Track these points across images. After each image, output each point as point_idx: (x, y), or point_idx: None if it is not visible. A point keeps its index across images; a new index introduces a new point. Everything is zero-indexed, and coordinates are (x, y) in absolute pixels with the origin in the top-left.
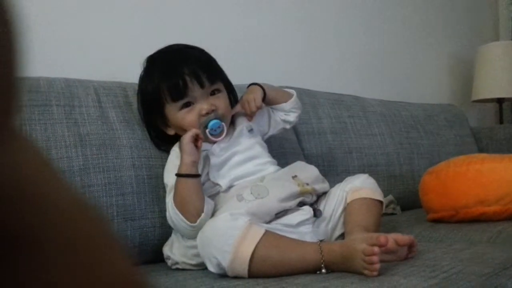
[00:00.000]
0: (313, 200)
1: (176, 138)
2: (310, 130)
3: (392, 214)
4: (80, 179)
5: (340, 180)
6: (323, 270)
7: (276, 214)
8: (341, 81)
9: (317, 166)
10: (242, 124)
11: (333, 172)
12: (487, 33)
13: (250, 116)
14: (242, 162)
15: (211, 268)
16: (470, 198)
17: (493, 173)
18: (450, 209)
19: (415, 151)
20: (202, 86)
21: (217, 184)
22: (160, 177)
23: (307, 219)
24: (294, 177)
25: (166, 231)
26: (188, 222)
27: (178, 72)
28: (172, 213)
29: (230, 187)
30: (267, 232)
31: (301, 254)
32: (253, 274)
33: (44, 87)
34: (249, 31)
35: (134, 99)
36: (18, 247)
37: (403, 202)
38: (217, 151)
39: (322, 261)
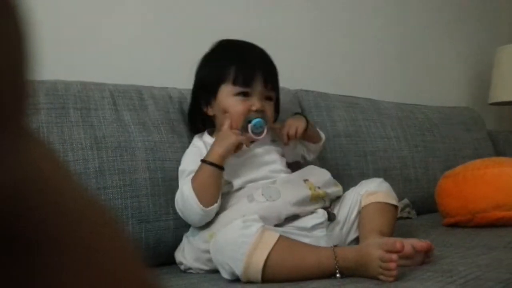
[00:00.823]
0: (327, 205)
1: (208, 121)
2: (324, 133)
3: (407, 218)
4: (96, 181)
5: (355, 184)
6: (338, 275)
7: (286, 218)
8: (356, 84)
9: (331, 169)
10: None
11: (348, 176)
12: (505, 34)
13: (286, 140)
14: (259, 166)
15: (225, 275)
16: (487, 203)
17: (511, 177)
18: (467, 213)
19: (430, 155)
20: (266, 86)
21: (230, 183)
22: (175, 179)
23: (322, 223)
24: (306, 180)
25: (180, 234)
26: (201, 206)
27: (254, 62)
28: (187, 194)
29: (241, 188)
30: (280, 238)
31: (315, 260)
32: (267, 280)
33: (61, 91)
34: (262, 33)
35: (149, 102)
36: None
37: (419, 206)
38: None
39: (336, 266)
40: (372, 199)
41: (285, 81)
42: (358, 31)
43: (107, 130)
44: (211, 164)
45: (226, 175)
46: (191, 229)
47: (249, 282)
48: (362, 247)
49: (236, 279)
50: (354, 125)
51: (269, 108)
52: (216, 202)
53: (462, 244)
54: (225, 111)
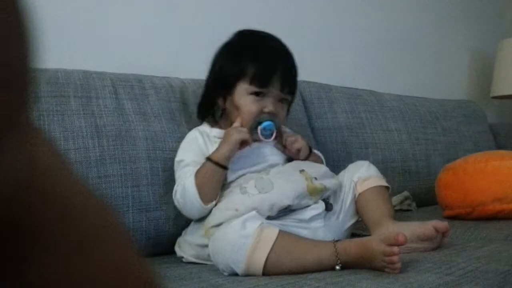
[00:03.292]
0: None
1: (220, 112)
2: (325, 125)
3: (407, 210)
4: (97, 170)
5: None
6: (337, 267)
7: (279, 210)
8: (358, 75)
9: (333, 161)
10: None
11: None
12: (507, 27)
13: (282, 149)
14: (256, 158)
15: (226, 274)
16: (487, 195)
17: (511, 170)
18: (467, 206)
19: (432, 147)
20: (282, 89)
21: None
22: None
23: (319, 214)
24: (302, 171)
25: (180, 223)
26: (201, 202)
27: (273, 64)
28: (190, 190)
29: (235, 180)
30: (280, 235)
31: (316, 256)
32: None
33: (62, 79)
34: (264, 24)
35: (150, 91)
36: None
37: (419, 198)
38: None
39: (338, 262)
40: (368, 184)
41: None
42: (361, 23)
43: (107, 119)
44: (216, 163)
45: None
46: (189, 228)
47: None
48: (364, 242)
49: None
50: (355, 117)
51: (282, 110)
52: (216, 199)
53: (462, 236)
54: (237, 108)
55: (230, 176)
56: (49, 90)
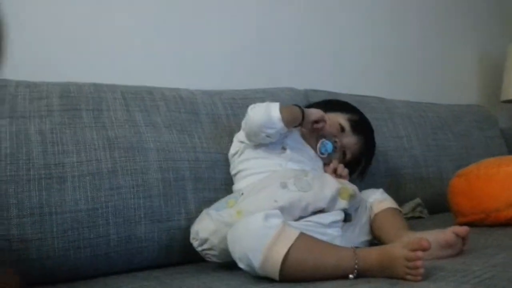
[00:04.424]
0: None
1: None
2: None
3: (419, 217)
4: (109, 182)
5: (366, 185)
6: (351, 276)
7: (312, 212)
8: (365, 82)
9: None
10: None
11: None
12: None
13: (336, 173)
14: (299, 159)
15: (241, 265)
16: (501, 201)
17: None
18: (480, 212)
19: (442, 154)
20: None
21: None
22: (187, 179)
23: (338, 221)
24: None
25: None
26: (280, 121)
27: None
28: (274, 114)
29: (267, 172)
30: (302, 234)
31: (335, 260)
32: (284, 277)
33: (74, 92)
34: (271, 32)
35: (160, 103)
36: None
37: (431, 205)
38: (292, 140)
39: (355, 267)
40: (384, 205)
41: (294, 81)
42: (368, 30)
43: (119, 130)
44: (300, 108)
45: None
46: (214, 205)
47: (265, 277)
48: (385, 248)
49: (249, 277)
50: None
51: (346, 139)
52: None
53: (476, 243)
54: (312, 123)
55: (275, 159)
56: (61, 104)
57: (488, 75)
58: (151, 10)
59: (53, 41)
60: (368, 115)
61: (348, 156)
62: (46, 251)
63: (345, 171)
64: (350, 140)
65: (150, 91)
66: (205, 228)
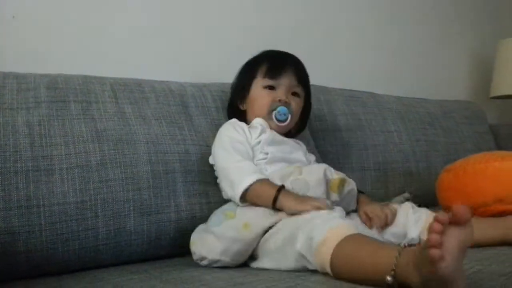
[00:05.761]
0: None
1: (242, 115)
2: (324, 127)
3: None
4: (98, 174)
5: (354, 177)
6: (389, 278)
7: None
8: (356, 77)
9: (332, 163)
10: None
11: (348, 169)
12: (507, 27)
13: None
14: (283, 156)
15: (298, 245)
16: (488, 196)
17: None
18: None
19: (432, 148)
20: (293, 81)
21: (266, 154)
22: (177, 172)
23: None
24: (324, 169)
25: (181, 226)
26: (240, 200)
27: (283, 60)
28: (244, 185)
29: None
30: (358, 233)
31: (375, 258)
32: (335, 267)
33: (62, 84)
34: (263, 27)
35: (150, 95)
36: None
37: (419, 199)
38: (270, 143)
39: (392, 267)
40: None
41: None
42: (359, 25)
43: (108, 123)
44: (275, 200)
45: (261, 148)
46: (212, 221)
47: (253, 270)
48: (416, 247)
49: (237, 271)
50: (354, 119)
51: (294, 102)
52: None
53: None
54: (254, 103)
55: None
56: (49, 95)
57: (478, 71)
58: (142, 2)
59: (42, 33)
60: (359, 110)
61: (299, 101)
62: (33, 244)
63: (382, 220)
64: (286, 86)
65: (139, 83)
66: (212, 250)
